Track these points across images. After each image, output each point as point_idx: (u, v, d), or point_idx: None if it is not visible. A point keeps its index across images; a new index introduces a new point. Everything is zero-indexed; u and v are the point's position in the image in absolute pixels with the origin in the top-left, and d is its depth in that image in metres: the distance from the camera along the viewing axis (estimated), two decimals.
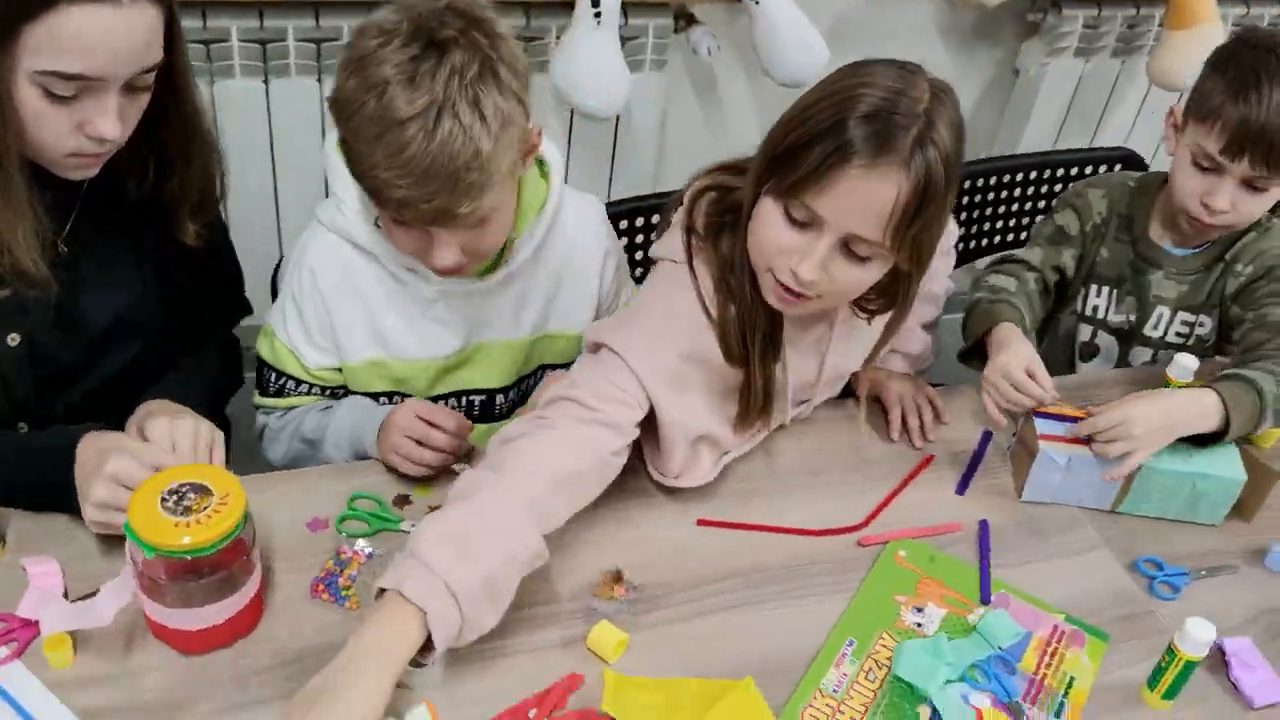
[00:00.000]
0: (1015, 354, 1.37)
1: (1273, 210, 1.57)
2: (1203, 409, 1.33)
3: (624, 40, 2.25)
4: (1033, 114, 2.61)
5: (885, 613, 1.23)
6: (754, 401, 1.30)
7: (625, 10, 2.20)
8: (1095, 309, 1.68)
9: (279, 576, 1.19)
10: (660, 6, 2.24)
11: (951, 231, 1.57)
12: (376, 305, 1.35)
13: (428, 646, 1.02)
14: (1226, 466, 1.34)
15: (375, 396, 1.40)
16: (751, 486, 1.38)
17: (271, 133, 2.10)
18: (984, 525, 1.35)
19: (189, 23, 1.72)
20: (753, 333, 1.25)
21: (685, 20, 2.30)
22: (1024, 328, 1.46)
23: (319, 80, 2.08)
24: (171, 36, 1.12)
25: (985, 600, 1.25)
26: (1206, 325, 1.63)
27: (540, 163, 1.39)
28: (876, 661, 1.17)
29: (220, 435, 1.17)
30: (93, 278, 1.24)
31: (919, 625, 1.22)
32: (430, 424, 1.28)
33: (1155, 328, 1.65)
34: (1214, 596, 1.29)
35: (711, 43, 2.26)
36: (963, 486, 1.40)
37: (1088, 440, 1.34)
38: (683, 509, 1.33)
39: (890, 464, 1.43)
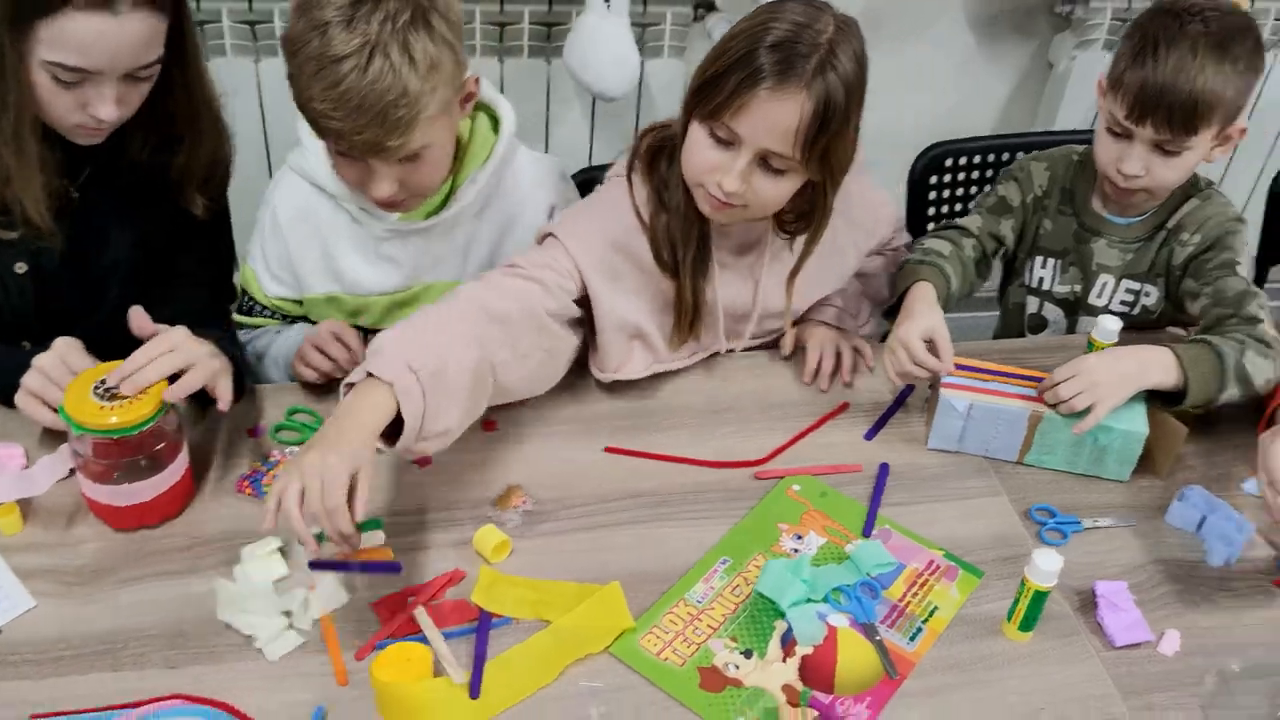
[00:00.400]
0: (917, 322, 1.41)
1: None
2: (1162, 363, 1.36)
3: (643, 26, 2.37)
4: (1062, 107, 2.61)
5: (766, 537, 1.30)
6: (684, 312, 1.44)
7: None
8: (1040, 280, 1.70)
9: (213, 473, 1.33)
10: None
11: (885, 200, 1.64)
12: (333, 242, 1.49)
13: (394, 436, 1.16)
14: (1130, 420, 1.36)
15: None
16: (670, 422, 1.46)
17: (263, 110, 2.27)
18: (884, 468, 1.40)
19: None
20: (684, 246, 1.40)
21: (704, 7, 2.39)
22: (947, 292, 1.50)
23: None
24: (181, 31, 1.28)
25: (866, 533, 1.31)
26: (1152, 295, 1.64)
27: (493, 118, 1.51)
28: (746, 579, 1.24)
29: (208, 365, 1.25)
30: (98, 227, 1.40)
31: (795, 551, 1.28)
32: (337, 338, 1.43)
33: (1100, 296, 1.66)
34: (1102, 545, 1.32)
35: (725, 29, 2.34)
36: (872, 432, 1.46)
37: (1054, 405, 1.37)
38: (594, 438, 1.42)
39: (809, 407, 1.49)
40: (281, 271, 1.53)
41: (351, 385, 1.17)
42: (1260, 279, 2.07)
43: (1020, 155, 1.73)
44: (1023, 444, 1.40)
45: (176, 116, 1.36)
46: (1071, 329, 1.72)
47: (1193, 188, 1.59)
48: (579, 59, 2.23)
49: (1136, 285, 1.64)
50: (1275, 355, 1.41)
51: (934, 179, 1.97)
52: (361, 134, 1.27)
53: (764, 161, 1.29)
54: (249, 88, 2.24)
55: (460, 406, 1.22)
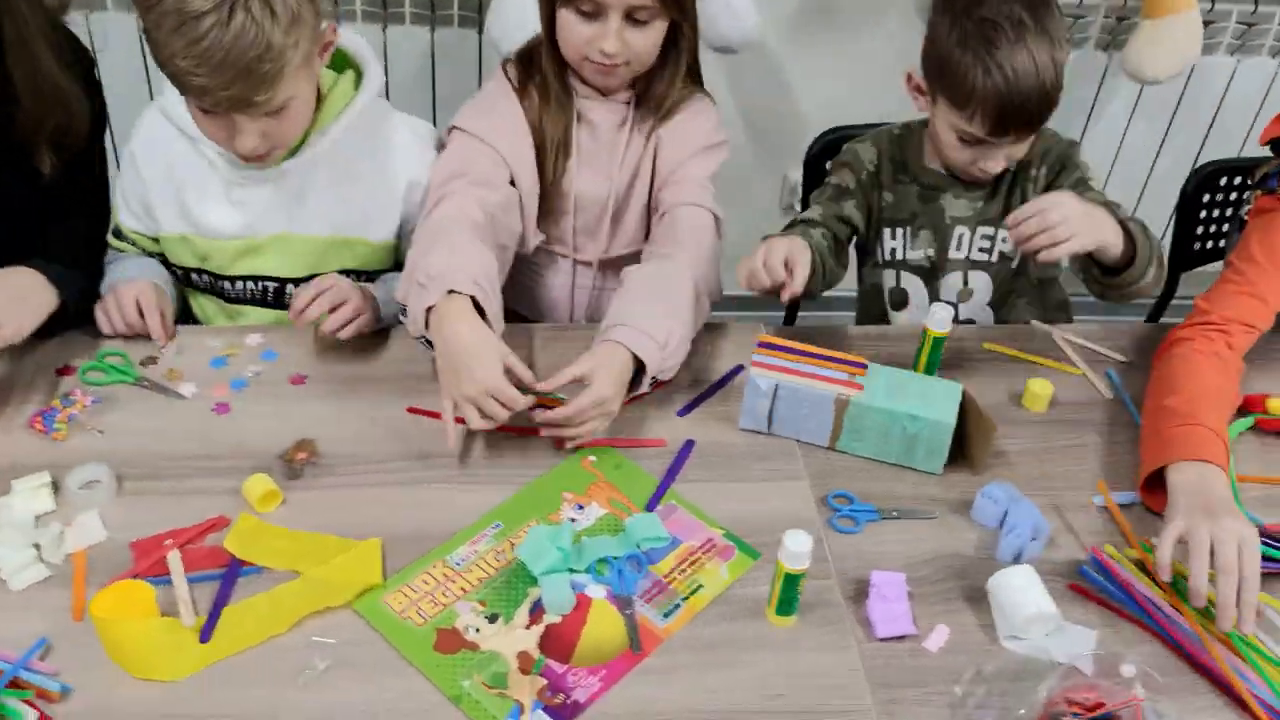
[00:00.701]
0: (782, 241, 1.40)
1: None
2: (1112, 225, 1.39)
3: None
4: None
5: (546, 505, 1.28)
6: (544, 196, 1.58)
7: None
8: (893, 251, 1.67)
9: (12, 408, 1.34)
10: None
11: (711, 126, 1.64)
12: (187, 184, 1.50)
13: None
14: (939, 410, 1.32)
15: (187, 271, 1.56)
16: None
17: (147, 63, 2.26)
18: (688, 444, 1.37)
19: None
20: (553, 130, 1.56)
21: None
22: (811, 261, 1.46)
23: None
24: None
25: (650, 508, 1.28)
26: (1008, 240, 1.60)
27: (358, 74, 1.51)
28: (513, 545, 1.22)
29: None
30: None
31: (573, 520, 1.26)
32: (139, 309, 1.45)
33: (959, 249, 1.64)
34: (896, 536, 1.28)
35: None
36: (686, 410, 1.43)
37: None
38: (403, 396, 1.41)
39: None
40: (138, 208, 1.54)
41: (429, 312, 1.30)
42: (1171, 287, 2.01)
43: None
44: (832, 429, 1.36)
45: (13, 78, 1.35)
46: (934, 296, 1.68)
47: None
48: (500, 30, 2.22)
49: (991, 230, 1.62)
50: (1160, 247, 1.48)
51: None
52: (227, 90, 1.27)
53: (630, 18, 1.43)
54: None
55: (499, 305, 1.35)
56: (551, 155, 1.58)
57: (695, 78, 1.62)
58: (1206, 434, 1.30)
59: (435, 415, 1.38)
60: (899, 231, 1.65)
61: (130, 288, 1.46)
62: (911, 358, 1.50)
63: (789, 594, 1.14)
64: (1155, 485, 1.30)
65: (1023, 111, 1.41)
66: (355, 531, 1.22)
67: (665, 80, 1.57)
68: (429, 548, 1.22)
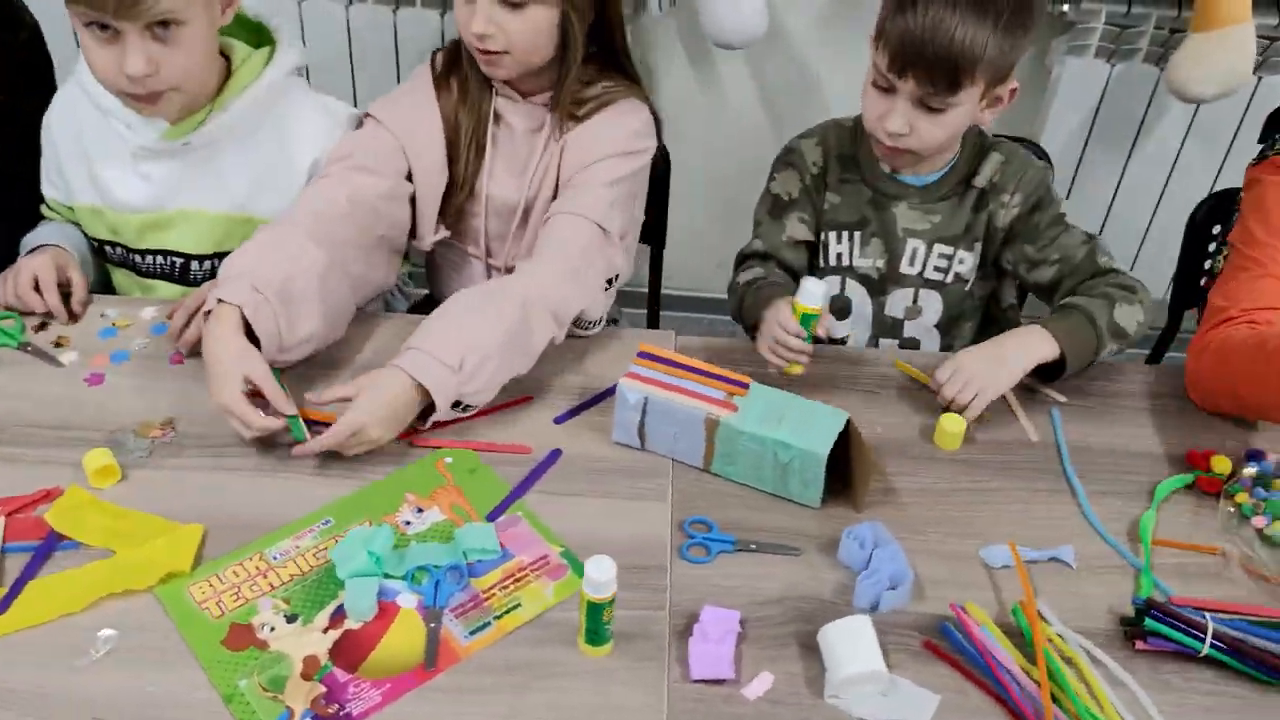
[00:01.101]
0: (782, 306, 1.34)
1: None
2: (1040, 341, 1.37)
3: None
4: (1050, 117, 2.38)
5: (384, 506, 1.23)
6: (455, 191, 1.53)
7: None
8: (839, 256, 1.55)
9: None
10: None
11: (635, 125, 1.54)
12: (97, 154, 1.50)
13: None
14: (814, 440, 1.22)
15: (100, 243, 1.56)
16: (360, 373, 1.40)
17: None
18: (553, 454, 1.30)
19: None
20: (468, 123, 1.52)
21: None
22: None
23: None
24: None
25: (491, 517, 1.22)
26: (967, 261, 1.51)
27: (272, 53, 1.49)
28: (338, 540, 1.18)
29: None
30: None
31: (408, 523, 1.21)
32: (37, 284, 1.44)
33: (911, 264, 1.53)
34: (748, 571, 1.19)
35: None
36: (563, 418, 1.36)
37: (950, 409, 1.35)
38: None
39: (517, 384, 1.40)
40: (55, 177, 1.55)
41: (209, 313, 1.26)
42: (1173, 324, 1.84)
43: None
44: (704, 451, 1.28)
45: None
46: (879, 310, 1.57)
47: (979, 138, 1.50)
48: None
49: (949, 249, 1.51)
50: (1141, 296, 1.41)
51: None
52: None
53: (507, 3, 1.37)
54: None
55: (317, 311, 1.32)
56: (464, 153, 1.53)
57: (625, 76, 1.54)
58: None
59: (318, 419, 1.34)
60: (845, 236, 1.54)
61: (30, 263, 1.45)
62: (845, 381, 1.42)
63: (594, 624, 1.07)
64: None
65: (921, 55, 1.30)
66: (187, 515, 1.19)
67: (567, 78, 1.47)
68: (256, 537, 1.18)
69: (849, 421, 1.24)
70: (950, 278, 1.53)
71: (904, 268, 1.53)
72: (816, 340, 1.35)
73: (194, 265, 1.54)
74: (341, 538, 1.17)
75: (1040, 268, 1.48)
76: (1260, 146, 1.48)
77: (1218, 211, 1.73)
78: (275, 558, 1.16)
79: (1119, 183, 2.48)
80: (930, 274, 1.53)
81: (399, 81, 1.58)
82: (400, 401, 1.25)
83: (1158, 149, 2.42)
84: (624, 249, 1.51)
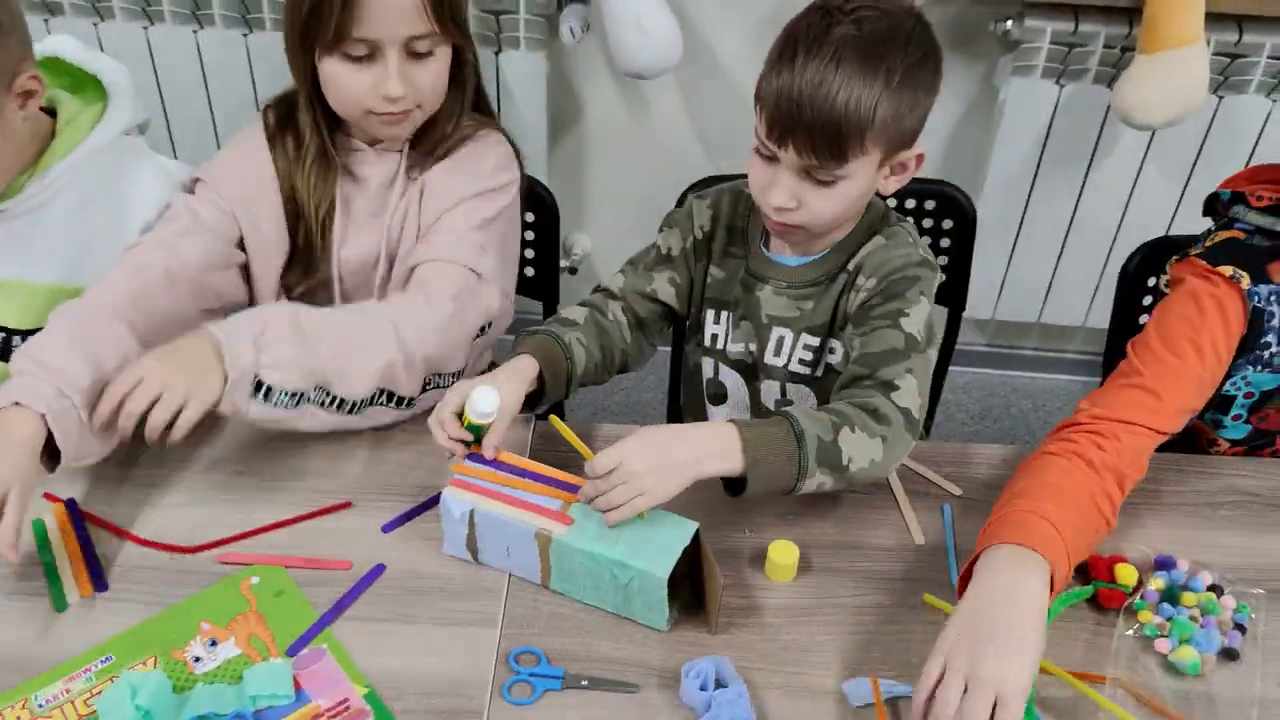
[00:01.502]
0: (464, 386, 1.16)
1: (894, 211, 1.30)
2: (722, 446, 1.10)
3: (496, 15, 2.15)
4: (998, 139, 2.22)
5: (175, 638, 1.10)
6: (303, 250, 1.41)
7: None
8: (714, 339, 1.40)
9: None
10: None
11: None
12: None
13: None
14: (655, 558, 1.08)
15: None
16: (160, 473, 1.27)
17: None
18: (376, 569, 1.17)
19: None
20: (316, 191, 1.39)
21: None
22: (567, 369, 1.25)
23: None
24: None
25: (292, 651, 1.09)
26: (838, 352, 1.33)
27: (103, 110, 1.38)
28: (114, 683, 1.04)
29: None
30: None
31: (197, 660, 1.08)
32: None
33: (777, 354, 1.35)
34: (575, 713, 1.05)
35: (576, 24, 2.10)
36: (391, 525, 1.22)
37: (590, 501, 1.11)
38: (80, 485, 1.25)
39: (341, 481, 1.27)
40: None
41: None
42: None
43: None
44: (540, 567, 1.14)
45: None
46: (754, 397, 1.41)
47: (880, 221, 1.30)
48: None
49: (815, 340, 1.33)
50: (892, 434, 1.14)
51: None
52: None
53: (410, 52, 1.28)
54: None
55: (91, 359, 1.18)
56: (311, 220, 1.40)
57: (483, 109, 1.42)
58: (1027, 516, 1.07)
59: (96, 519, 1.21)
60: (722, 316, 1.39)
61: None
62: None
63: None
64: None
65: (799, 119, 1.12)
66: None
67: (449, 118, 1.39)
68: (27, 677, 1.05)
69: (698, 534, 1.10)
70: (821, 370, 1.35)
71: (769, 357, 1.36)
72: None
73: (15, 340, 1.40)
74: (115, 680, 1.04)
75: (845, 358, 1.27)
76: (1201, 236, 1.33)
77: (1150, 262, 1.57)
78: (41, 705, 1.03)
79: (1074, 210, 2.32)
80: (795, 366, 1.35)
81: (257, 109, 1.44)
82: (190, 348, 1.16)
83: (1114, 174, 2.27)
84: (500, 292, 1.39)
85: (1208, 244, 1.30)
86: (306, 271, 1.44)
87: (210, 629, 1.11)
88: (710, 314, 1.39)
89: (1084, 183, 2.27)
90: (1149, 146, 2.22)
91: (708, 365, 1.42)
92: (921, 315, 1.21)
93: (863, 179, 1.18)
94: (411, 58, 1.29)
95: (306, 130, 1.37)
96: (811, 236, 1.27)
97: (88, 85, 1.40)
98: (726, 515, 1.23)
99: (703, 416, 1.46)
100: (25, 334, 1.40)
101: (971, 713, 0.93)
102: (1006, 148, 2.23)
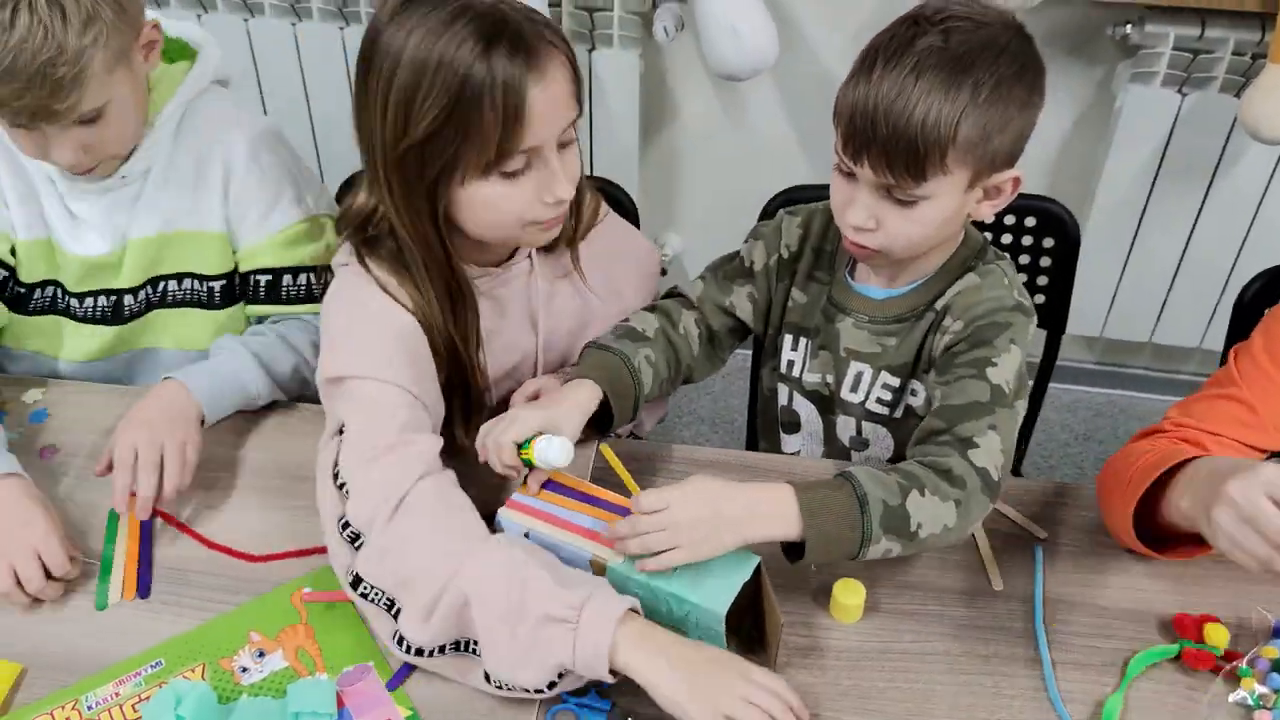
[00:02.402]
0: (529, 418, 1.12)
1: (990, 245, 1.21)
2: (779, 509, 1.03)
3: (591, 12, 2.12)
4: (1111, 153, 2.11)
5: (225, 646, 1.09)
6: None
7: None
8: (791, 365, 1.33)
9: None
10: None
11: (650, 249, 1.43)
12: (39, 189, 1.38)
13: None
14: (713, 593, 1.03)
15: (30, 288, 1.43)
16: (245, 481, 1.27)
17: None
18: None
19: None
20: (454, 316, 1.19)
21: None
22: (634, 390, 1.21)
23: None
24: None
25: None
26: (920, 394, 1.24)
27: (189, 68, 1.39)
28: (160, 690, 1.04)
29: None
30: None
31: (244, 670, 1.07)
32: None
33: (854, 390, 1.27)
34: None
35: (670, 23, 2.05)
36: None
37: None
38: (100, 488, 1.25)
39: None
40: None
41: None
42: None
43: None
44: None
45: None
46: (829, 430, 1.34)
47: (975, 257, 1.20)
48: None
49: (896, 380, 1.24)
50: (966, 497, 1.05)
51: None
52: (22, 99, 1.18)
53: (562, 145, 1.12)
54: None
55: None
56: (464, 356, 1.23)
57: None
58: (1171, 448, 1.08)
59: (166, 517, 1.22)
60: (801, 343, 1.32)
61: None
62: None
63: None
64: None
65: (874, 133, 1.05)
66: (9, 648, 1.08)
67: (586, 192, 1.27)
68: (83, 676, 1.06)
69: (759, 567, 1.05)
70: (900, 411, 1.26)
71: (845, 393, 1.28)
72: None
73: (127, 300, 1.42)
74: (164, 686, 1.04)
75: (927, 406, 1.18)
76: None
77: (1270, 291, 1.46)
78: (91, 707, 1.04)
79: (1192, 230, 2.19)
80: (873, 405, 1.27)
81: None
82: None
83: (1237, 191, 2.13)
84: None
85: None
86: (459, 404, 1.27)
87: (259, 639, 1.10)
88: (789, 339, 1.32)
89: (1204, 199, 2.14)
90: (1278, 163, 2.07)
91: (783, 392, 1.36)
92: (1011, 365, 1.12)
93: (947, 201, 1.10)
94: (562, 149, 1.12)
95: (431, 275, 1.16)
96: (893, 263, 1.19)
97: (177, 53, 1.41)
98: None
99: (775, 443, 1.41)
100: (135, 291, 1.42)
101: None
102: (1121, 158, 2.11)
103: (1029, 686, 1.06)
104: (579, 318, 1.32)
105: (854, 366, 1.26)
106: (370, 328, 1.16)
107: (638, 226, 1.58)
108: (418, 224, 1.12)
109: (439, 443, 1.13)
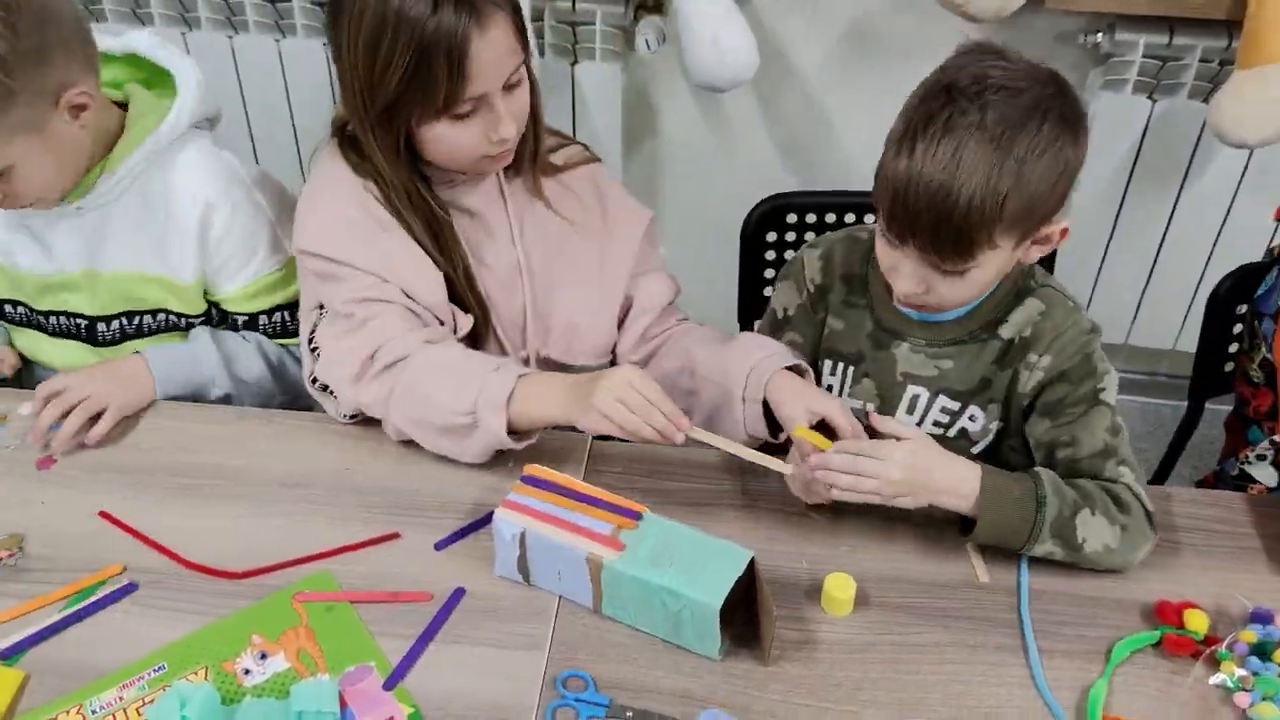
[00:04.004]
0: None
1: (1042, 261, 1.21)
2: (966, 486, 1.14)
3: (573, 26, 2.15)
4: (1088, 155, 2.14)
5: (227, 649, 1.10)
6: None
7: None
8: (830, 389, 1.34)
9: None
10: None
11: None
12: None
13: None
14: (707, 587, 1.05)
15: (2, 303, 1.48)
16: (228, 489, 1.28)
17: None
18: (457, 593, 1.16)
19: None
20: (444, 242, 1.32)
21: (642, 8, 2.13)
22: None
23: None
24: None
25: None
26: (979, 420, 1.26)
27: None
28: (164, 693, 1.06)
29: None
30: None
31: (247, 672, 1.09)
32: None
33: (910, 412, 1.29)
34: None
35: (651, 36, 2.08)
36: (444, 543, 1.21)
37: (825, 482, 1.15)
38: (142, 494, 1.27)
39: (410, 497, 1.27)
40: None
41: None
42: (1191, 419, 1.62)
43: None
44: (592, 592, 1.12)
45: None
46: None
47: (1025, 278, 1.22)
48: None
49: (955, 404, 1.27)
50: (1133, 525, 1.15)
51: (771, 235, 1.65)
52: None
53: (506, 88, 1.23)
54: None
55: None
56: (456, 277, 1.34)
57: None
58: None
59: (125, 529, 1.23)
60: (839, 368, 1.33)
61: None
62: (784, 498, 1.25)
63: None
64: None
65: (919, 219, 1.06)
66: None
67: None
68: (86, 682, 1.07)
69: (752, 562, 1.08)
70: (954, 433, 1.29)
71: (902, 415, 1.29)
72: None
73: (100, 326, 1.45)
74: (168, 689, 1.05)
75: (1058, 449, 1.21)
76: None
77: (1242, 288, 1.50)
78: (95, 710, 1.05)
79: (1165, 231, 2.23)
80: (929, 427, 1.28)
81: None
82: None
83: (1208, 193, 2.18)
84: None
85: None
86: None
87: (261, 642, 1.11)
88: (827, 364, 1.34)
89: (1176, 202, 2.19)
90: (1246, 166, 2.12)
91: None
92: (1114, 381, 1.21)
93: (996, 264, 1.12)
94: (506, 92, 1.23)
95: (405, 198, 1.29)
96: (942, 310, 1.21)
97: (165, 80, 1.42)
98: (784, 544, 1.21)
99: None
100: (109, 319, 1.44)
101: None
102: (1096, 163, 2.14)
103: (1017, 675, 1.09)
104: (556, 242, 1.40)
105: (910, 389, 1.28)
106: (340, 211, 1.30)
107: None
108: (389, 155, 1.25)
109: (408, 318, 1.29)
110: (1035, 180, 1.05)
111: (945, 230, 1.05)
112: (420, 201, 1.30)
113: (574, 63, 2.17)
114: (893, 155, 1.08)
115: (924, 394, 1.28)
